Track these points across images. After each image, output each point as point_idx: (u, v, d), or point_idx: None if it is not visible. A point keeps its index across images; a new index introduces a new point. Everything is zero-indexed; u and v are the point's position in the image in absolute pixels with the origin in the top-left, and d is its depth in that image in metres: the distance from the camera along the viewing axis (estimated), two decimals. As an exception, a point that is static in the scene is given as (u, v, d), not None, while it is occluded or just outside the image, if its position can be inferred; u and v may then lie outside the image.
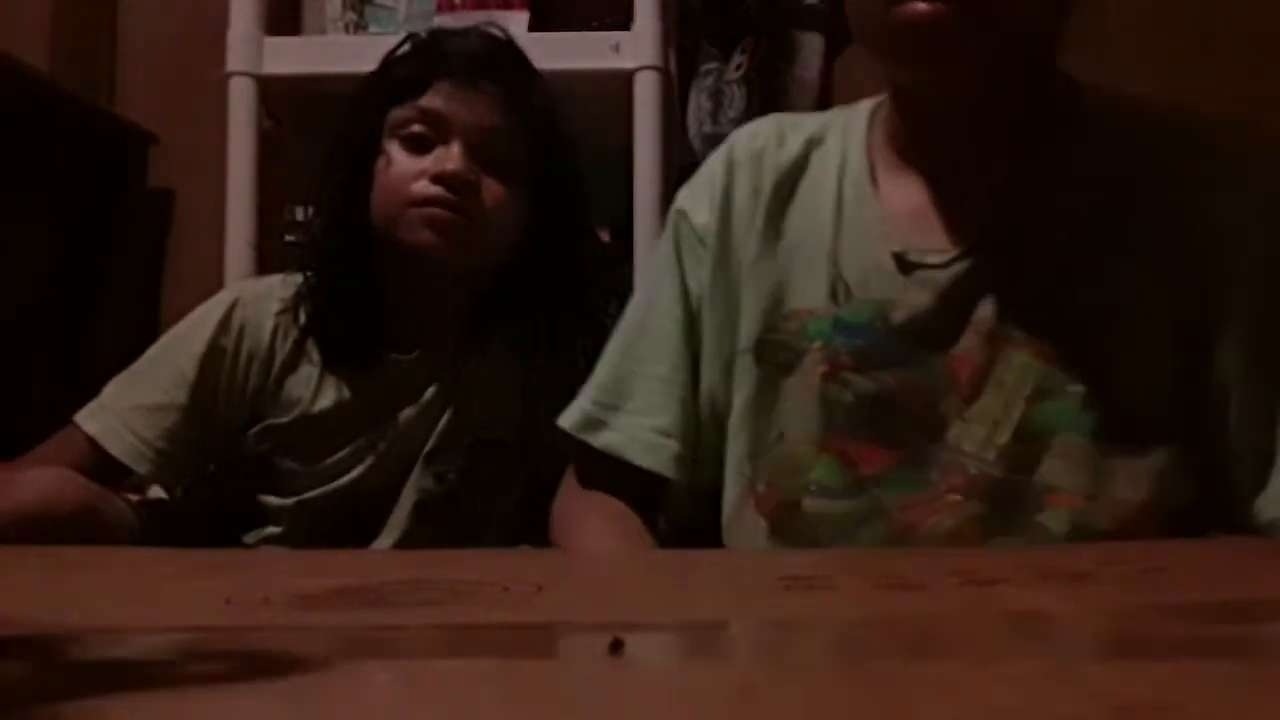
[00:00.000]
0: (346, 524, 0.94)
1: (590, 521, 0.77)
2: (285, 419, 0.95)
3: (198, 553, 0.71)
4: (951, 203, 0.70)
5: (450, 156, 0.91)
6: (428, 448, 0.96)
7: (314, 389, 0.95)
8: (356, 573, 0.51)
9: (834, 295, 0.71)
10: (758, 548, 0.71)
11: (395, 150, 0.93)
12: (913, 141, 0.73)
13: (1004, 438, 0.66)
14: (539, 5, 1.34)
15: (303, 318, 0.95)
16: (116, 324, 1.49)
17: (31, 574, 0.55)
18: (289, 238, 1.32)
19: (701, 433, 0.77)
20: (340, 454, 0.95)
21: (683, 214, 0.79)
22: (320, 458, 0.95)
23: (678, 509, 0.78)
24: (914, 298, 0.69)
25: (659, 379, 0.77)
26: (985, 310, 0.67)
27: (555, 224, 0.97)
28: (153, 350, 0.96)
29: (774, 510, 0.71)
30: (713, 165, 0.80)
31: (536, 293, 0.97)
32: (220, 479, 0.98)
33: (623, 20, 1.28)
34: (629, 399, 0.77)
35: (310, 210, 1.02)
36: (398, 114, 0.94)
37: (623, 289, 0.93)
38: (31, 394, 1.27)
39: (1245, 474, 0.65)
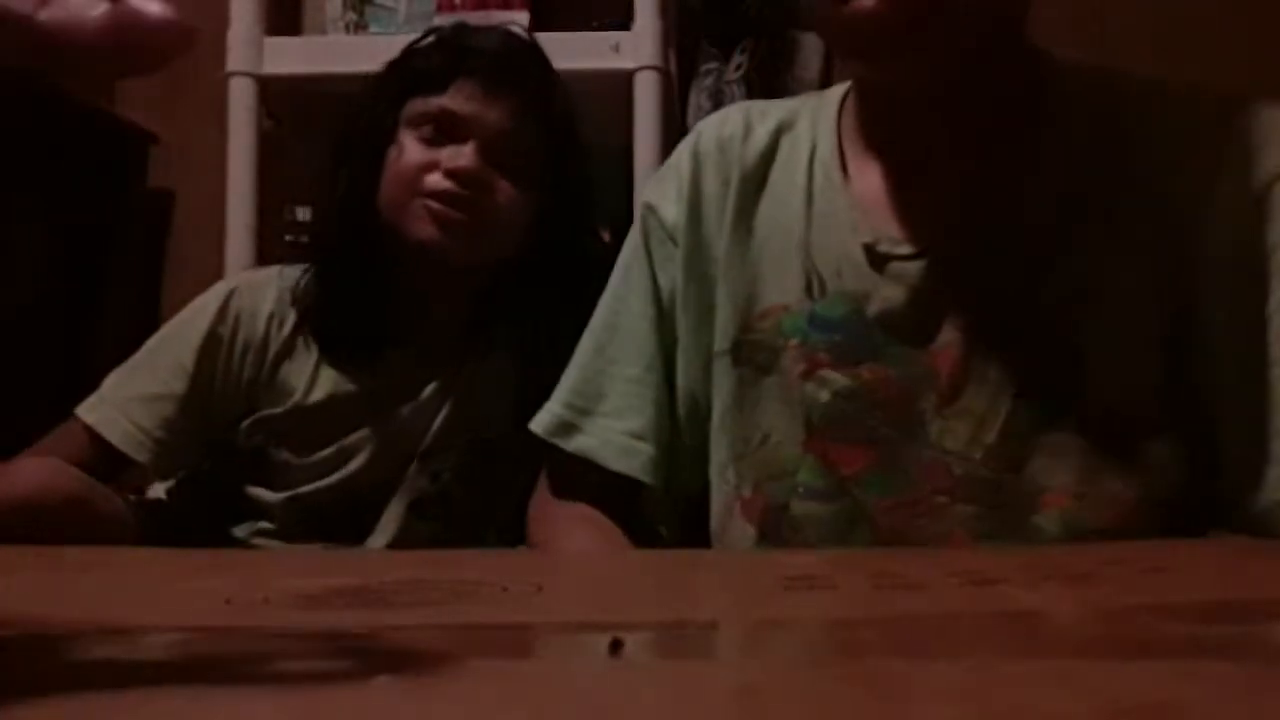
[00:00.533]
0: (339, 520, 0.94)
1: (567, 529, 0.75)
2: (279, 409, 0.95)
3: (198, 553, 0.71)
4: (921, 192, 0.69)
5: (464, 154, 0.91)
6: (424, 446, 0.95)
7: (309, 379, 0.95)
8: (356, 573, 0.51)
9: (809, 289, 0.70)
10: None
11: (409, 141, 0.93)
12: (879, 130, 0.71)
13: (991, 436, 0.64)
14: (539, 5, 1.34)
15: (301, 306, 0.95)
16: (116, 324, 1.49)
17: (31, 574, 0.55)
18: (289, 237, 1.32)
19: (680, 434, 0.75)
20: (334, 448, 0.95)
21: (651, 208, 0.77)
22: (314, 451, 0.95)
23: (660, 511, 0.77)
24: (887, 291, 0.67)
25: (631, 380, 0.75)
26: (963, 303, 0.66)
27: (562, 227, 0.97)
28: (152, 341, 0.96)
29: (762, 515, 0.70)
30: (679, 157, 0.78)
31: (538, 293, 0.97)
32: (214, 471, 0.99)
33: (623, 20, 1.28)
34: (601, 401, 0.75)
35: (311, 209, 1.02)
36: (416, 106, 0.94)
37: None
38: (32, 394, 1.27)
39: (1238, 460, 0.63)
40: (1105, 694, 0.25)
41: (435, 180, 0.91)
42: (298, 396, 0.95)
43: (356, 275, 0.95)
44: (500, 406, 0.95)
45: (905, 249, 0.67)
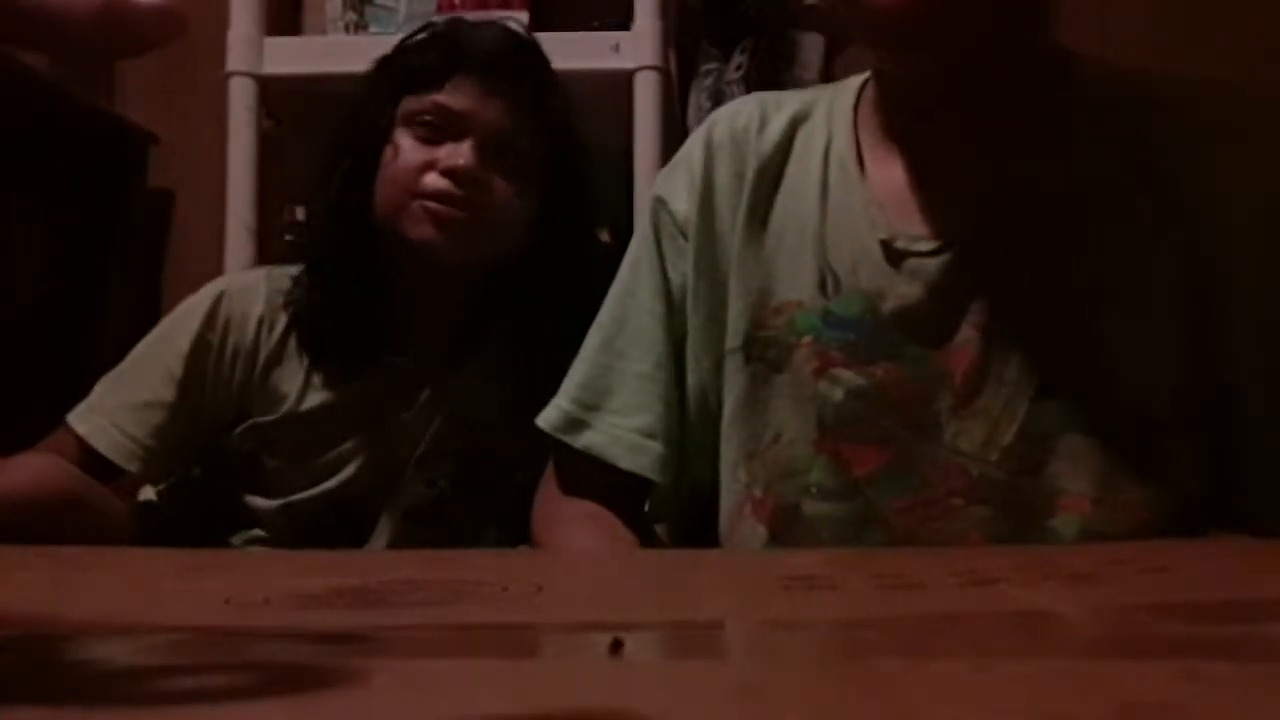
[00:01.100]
0: (334, 528, 0.93)
1: (574, 528, 0.74)
2: (272, 416, 0.94)
3: (198, 553, 0.71)
4: (939, 187, 0.68)
5: (462, 152, 0.90)
6: (419, 452, 0.95)
7: (301, 386, 0.94)
8: (356, 573, 0.51)
9: (822, 286, 0.69)
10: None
11: (405, 140, 0.92)
12: (897, 124, 0.70)
13: (1007, 438, 0.64)
14: (539, 5, 1.34)
15: (292, 310, 0.94)
16: (116, 324, 1.49)
17: (31, 573, 0.55)
18: (289, 237, 1.32)
19: (689, 431, 0.74)
20: (328, 455, 0.94)
21: (661, 202, 0.76)
22: (307, 458, 0.94)
23: (664, 509, 0.76)
24: (904, 288, 0.66)
25: (641, 377, 0.74)
26: (980, 301, 0.65)
27: (560, 226, 0.96)
28: (140, 346, 0.95)
29: (773, 515, 0.69)
30: (691, 148, 0.77)
31: (535, 294, 0.96)
32: (206, 479, 0.98)
33: (623, 20, 1.28)
34: (610, 398, 0.74)
35: (305, 210, 1.01)
36: (411, 104, 0.92)
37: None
38: (32, 394, 1.27)
39: (1258, 461, 0.63)
40: (1106, 694, 0.25)
41: (432, 180, 0.90)
42: (290, 404, 0.94)
43: (351, 279, 0.93)
44: (496, 411, 0.95)
45: (923, 245, 0.66)
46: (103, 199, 1.50)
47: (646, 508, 0.76)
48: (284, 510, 0.94)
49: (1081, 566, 0.50)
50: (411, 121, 0.92)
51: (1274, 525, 0.63)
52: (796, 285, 0.70)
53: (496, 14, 1.23)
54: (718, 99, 1.42)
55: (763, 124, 0.74)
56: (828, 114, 0.74)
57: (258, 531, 0.95)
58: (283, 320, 0.94)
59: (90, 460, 0.89)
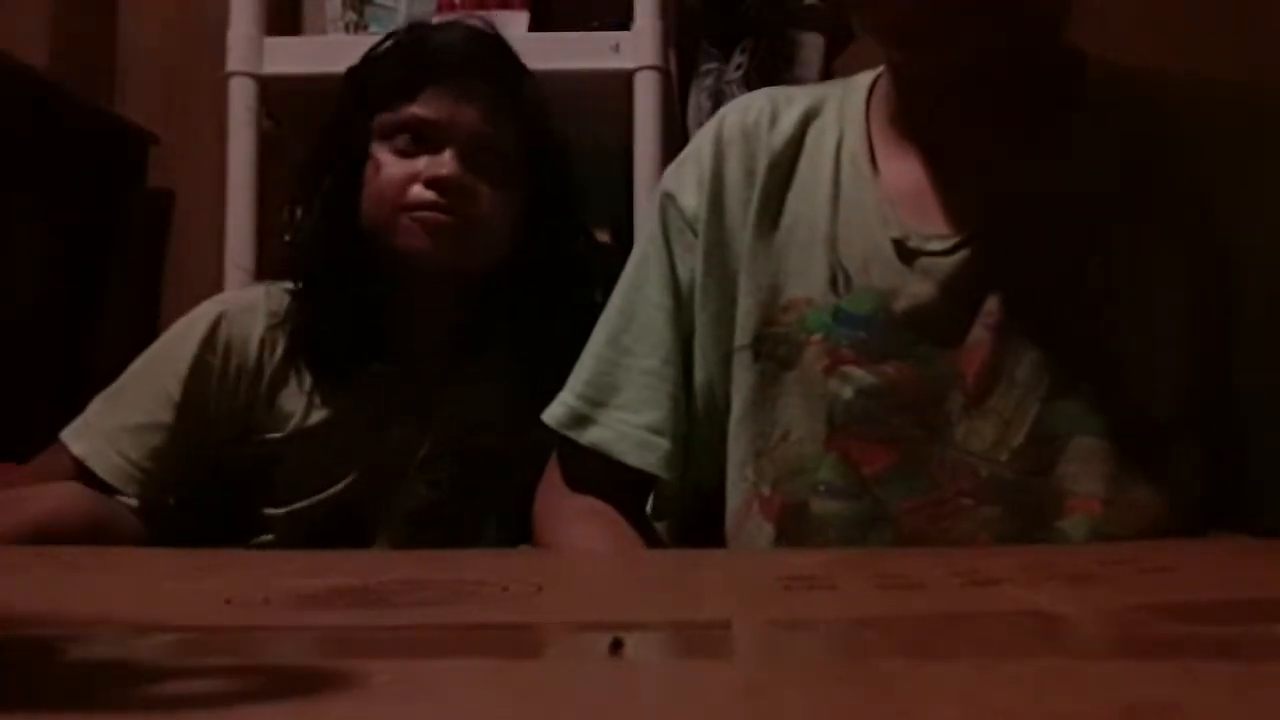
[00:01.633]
0: (339, 533, 0.93)
1: (577, 524, 0.74)
2: (279, 434, 0.94)
3: (198, 553, 0.71)
4: (953, 185, 0.67)
5: (443, 162, 0.90)
6: (420, 455, 0.95)
7: (306, 403, 0.94)
8: (356, 573, 0.51)
9: (833, 284, 0.68)
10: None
11: (385, 155, 0.92)
12: (910, 120, 0.70)
13: (1018, 439, 0.63)
14: (539, 5, 1.34)
15: (291, 331, 0.94)
16: (116, 324, 1.49)
17: (33, 574, 0.55)
18: (289, 237, 1.31)
19: (696, 428, 0.74)
20: (332, 464, 0.94)
21: (670, 197, 0.76)
22: (312, 467, 0.94)
23: (668, 506, 0.75)
24: (916, 287, 0.66)
25: (648, 373, 0.73)
26: (993, 301, 0.64)
27: (549, 225, 0.96)
28: (136, 366, 0.94)
29: (780, 514, 0.68)
30: (701, 143, 0.76)
31: (530, 297, 0.96)
32: (212, 490, 0.97)
33: (623, 20, 1.28)
34: (617, 394, 0.74)
35: (292, 231, 1.01)
36: (386, 119, 0.92)
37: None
38: (31, 394, 1.27)
39: (1270, 462, 0.63)
40: (1106, 694, 0.25)
41: (417, 192, 0.90)
42: (295, 420, 0.94)
43: (346, 293, 0.93)
44: (495, 413, 0.95)
45: (936, 245, 0.66)
46: (103, 199, 1.50)
47: (649, 505, 0.76)
48: (289, 516, 0.94)
49: (1082, 566, 0.50)
50: (389, 135, 0.92)
51: (1276, 525, 0.63)
52: (807, 282, 0.69)
53: (497, 15, 1.23)
54: (718, 99, 1.41)
55: (774, 120, 0.74)
56: (839, 110, 0.73)
57: (263, 537, 0.95)
58: (283, 340, 0.94)
59: (86, 481, 0.88)
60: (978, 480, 0.64)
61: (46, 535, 0.75)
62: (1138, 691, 0.26)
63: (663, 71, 1.25)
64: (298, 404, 0.94)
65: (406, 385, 0.95)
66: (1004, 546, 0.64)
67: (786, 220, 0.71)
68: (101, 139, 1.51)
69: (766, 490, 0.70)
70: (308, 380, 0.94)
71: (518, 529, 0.89)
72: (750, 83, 1.42)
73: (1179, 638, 0.33)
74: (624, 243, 1.24)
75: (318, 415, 0.94)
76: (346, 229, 0.93)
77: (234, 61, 1.28)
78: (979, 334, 0.65)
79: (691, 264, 0.74)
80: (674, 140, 1.26)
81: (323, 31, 1.44)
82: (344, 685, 0.28)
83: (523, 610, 0.40)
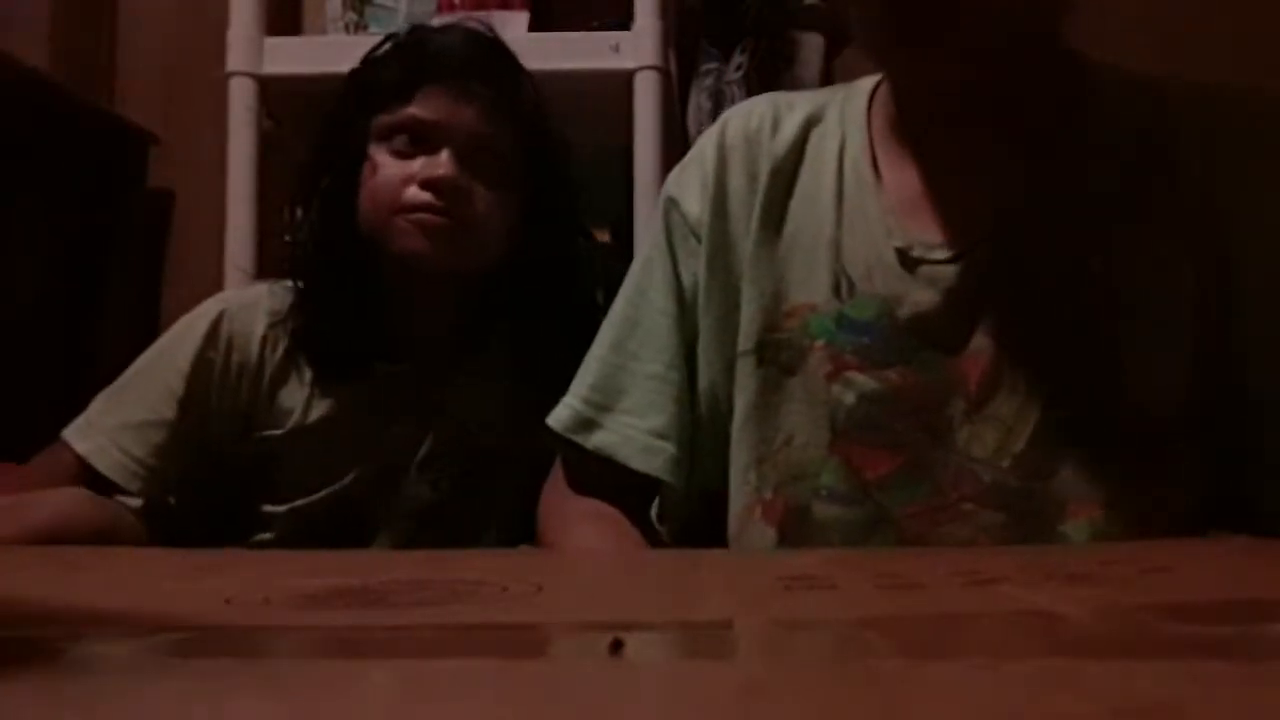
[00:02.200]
0: (339, 531, 0.93)
1: (581, 527, 0.74)
2: (279, 431, 0.94)
3: (198, 553, 0.71)
4: (954, 193, 0.67)
5: (440, 162, 0.90)
6: (421, 455, 0.95)
7: (306, 400, 0.94)
8: (356, 573, 0.51)
9: (837, 290, 0.68)
10: None
11: (382, 156, 0.92)
12: (912, 129, 0.70)
13: (1020, 444, 0.64)
14: (539, 5, 1.34)
15: (292, 329, 0.94)
16: (116, 324, 1.49)
17: (32, 574, 0.55)
18: (289, 237, 1.32)
19: (699, 433, 0.74)
20: (332, 461, 0.94)
21: (674, 202, 0.76)
22: (313, 465, 0.94)
23: (672, 510, 0.76)
24: (919, 295, 0.66)
25: (653, 377, 0.74)
26: (995, 307, 0.65)
27: (548, 225, 0.96)
28: (139, 363, 0.95)
29: (783, 518, 0.69)
30: (704, 148, 0.76)
31: (530, 297, 0.96)
32: (213, 487, 0.98)
33: (623, 20, 1.28)
34: (622, 398, 0.74)
35: (290, 232, 1.01)
36: (384, 120, 0.92)
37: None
38: (31, 394, 1.27)
39: (1261, 461, 0.63)
40: (1106, 694, 0.25)
41: (414, 193, 0.90)
42: (296, 418, 0.94)
43: (345, 294, 0.93)
44: (495, 413, 0.95)
45: (939, 253, 0.66)
46: (103, 199, 1.50)
47: (654, 508, 0.76)
48: (289, 514, 0.95)
49: (1081, 566, 0.50)
50: (386, 136, 0.92)
51: (1276, 525, 0.63)
52: (810, 288, 0.70)
53: (496, 15, 1.23)
54: (718, 99, 1.42)
55: (775, 125, 0.74)
56: (840, 116, 0.73)
57: (262, 535, 0.96)
58: (285, 337, 0.95)
59: (89, 478, 0.89)
60: (980, 486, 0.64)
61: (50, 542, 0.75)
62: (1138, 691, 0.26)
63: (663, 71, 1.25)
64: (298, 401, 0.94)
65: (406, 384, 0.95)
66: (1004, 547, 0.64)
67: (789, 226, 0.72)
68: (101, 139, 1.51)
69: (769, 495, 0.70)
70: (308, 378, 0.94)
71: (518, 529, 0.89)
72: (750, 82, 1.42)
73: (1179, 638, 0.33)
74: (624, 243, 1.24)
75: (318, 413, 0.94)
76: (345, 230, 0.93)
77: (234, 61, 1.28)
78: (981, 341, 0.65)
79: (695, 269, 0.74)
80: (674, 140, 1.26)
81: (323, 31, 1.44)
82: (344, 685, 0.28)
83: (523, 610, 0.40)
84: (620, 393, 0.74)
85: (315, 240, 0.95)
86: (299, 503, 0.94)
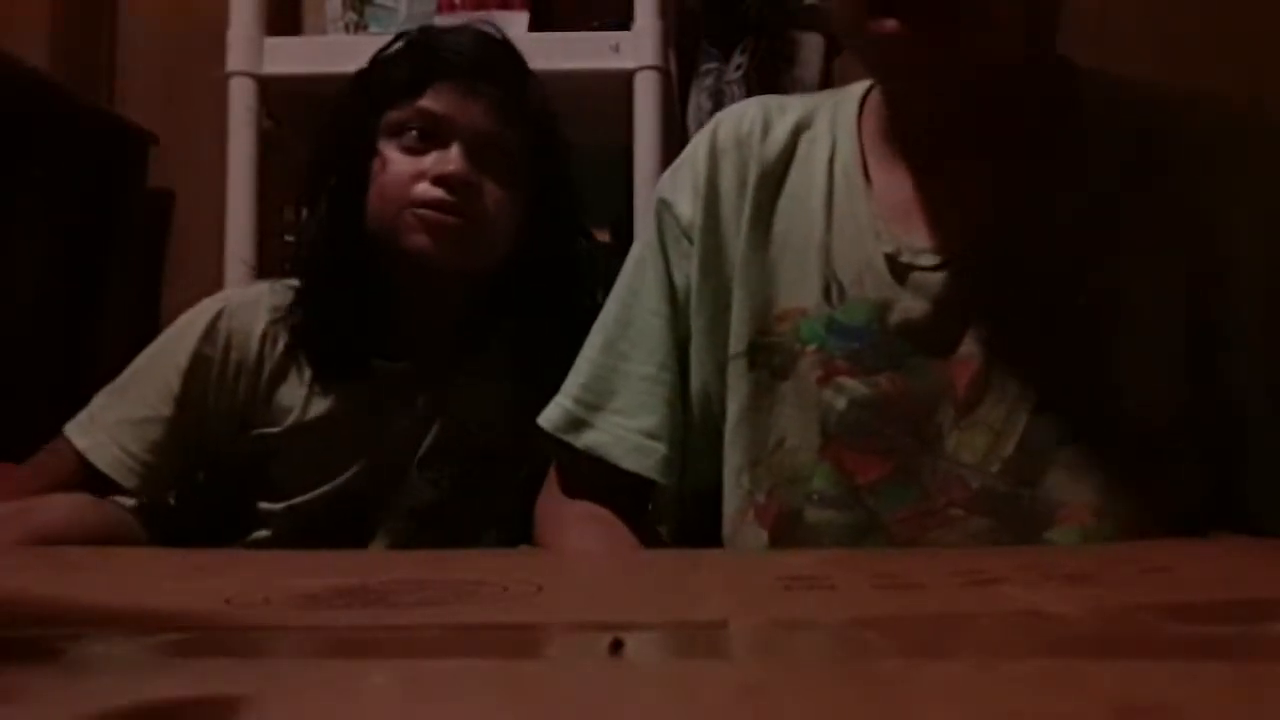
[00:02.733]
0: (338, 529, 0.93)
1: (576, 529, 0.74)
2: (277, 428, 0.94)
3: (198, 553, 0.71)
4: (945, 200, 0.67)
5: (450, 158, 0.90)
6: (421, 454, 0.95)
7: (305, 398, 0.94)
8: (356, 573, 0.51)
9: (827, 294, 0.69)
10: None
11: (392, 152, 0.92)
12: (902, 135, 0.70)
13: (1008, 450, 0.64)
14: (539, 5, 1.34)
15: (293, 326, 0.94)
16: (116, 324, 1.49)
17: (33, 574, 0.55)
18: (289, 237, 1.32)
19: (692, 435, 0.74)
20: (331, 460, 0.94)
21: (666, 204, 0.76)
22: (311, 463, 0.94)
23: (667, 511, 0.76)
24: (909, 301, 0.66)
25: (645, 378, 0.74)
26: (984, 313, 0.65)
27: (551, 226, 0.96)
28: (139, 361, 0.95)
29: (775, 521, 0.69)
30: (696, 151, 0.76)
31: (531, 297, 0.96)
32: (211, 485, 0.98)
33: (623, 20, 1.28)
34: (613, 398, 0.74)
35: (296, 229, 1.01)
36: (394, 115, 0.92)
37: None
38: (31, 394, 1.27)
39: (1264, 474, 0.63)
40: (1105, 694, 0.25)
41: (424, 189, 0.90)
42: (295, 415, 0.94)
43: (349, 291, 0.93)
44: (496, 412, 0.95)
45: (928, 260, 0.66)
46: (103, 199, 1.50)
47: (650, 508, 0.76)
48: (288, 512, 0.94)
49: (1081, 566, 0.50)
50: (396, 132, 0.92)
51: (1274, 526, 0.63)
52: (801, 293, 0.70)
53: (497, 15, 1.23)
54: (718, 99, 1.42)
55: (766, 129, 0.74)
56: (831, 121, 0.74)
57: (261, 533, 0.96)
58: (285, 335, 0.94)
59: (88, 474, 0.89)
60: (969, 491, 0.64)
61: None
62: (1138, 691, 0.26)
63: (663, 71, 1.25)
64: (296, 399, 0.94)
65: (407, 382, 0.95)
66: (1003, 548, 0.64)
67: (779, 230, 0.72)
68: (101, 139, 1.51)
69: (762, 498, 0.70)
70: (307, 375, 0.94)
71: (518, 529, 0.89)
72: (750, 82, 1.42)
73: (1179, 638, 0.33)
74: (624, 243, 1.23)
75: (316, 410, 0.94)
76: (351, 227, 0.93)
77: (234, 61, 1.28)
78: (970, 346, 0.65)
79: (687, 271, 0.74)
80: (674, 140, 1.26)
81: (323, 31, 1.44)
82: (344, 685, 0.28)
83: (523, 610, 0.40)
84: (611, 393, 0.74)
85: (322, 237, 0.95)
86: (296, 501, 0.94)
